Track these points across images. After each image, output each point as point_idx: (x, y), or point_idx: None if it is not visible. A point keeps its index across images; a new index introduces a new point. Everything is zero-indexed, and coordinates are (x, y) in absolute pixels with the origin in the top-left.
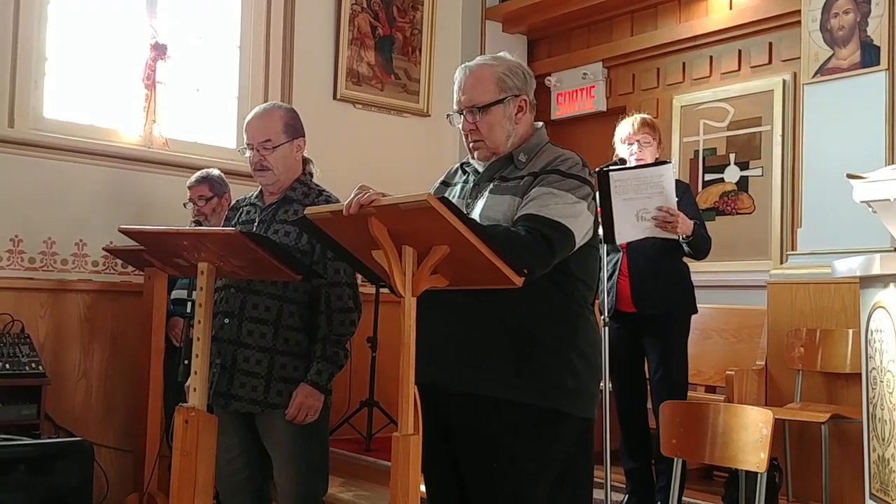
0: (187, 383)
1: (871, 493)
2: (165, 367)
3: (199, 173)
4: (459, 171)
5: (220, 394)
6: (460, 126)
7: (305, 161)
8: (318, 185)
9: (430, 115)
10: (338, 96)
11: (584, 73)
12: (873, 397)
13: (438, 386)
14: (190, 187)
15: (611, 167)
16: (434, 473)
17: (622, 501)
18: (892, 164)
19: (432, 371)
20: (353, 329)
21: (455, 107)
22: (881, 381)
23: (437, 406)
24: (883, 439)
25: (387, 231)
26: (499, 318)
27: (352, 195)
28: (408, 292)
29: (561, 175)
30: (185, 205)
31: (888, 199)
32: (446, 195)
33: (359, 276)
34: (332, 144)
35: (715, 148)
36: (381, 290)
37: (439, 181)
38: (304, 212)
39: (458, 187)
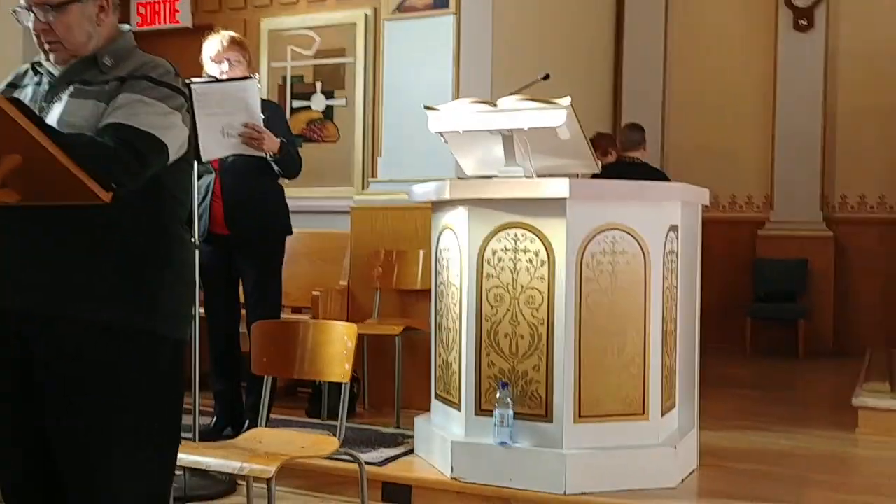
0: None
1: (436, 394)
2: None
3: None
4: (30, 73)
5: None
6: (30, 25)
7: None
8: None
9: None
10: None
11: None
12: (440, 309)
13: (18, 312)
14: None
15: (192, 80)
16: None
17: (210, 423)
18: (459, 99)
19: (13, 295)
20: None
21: (22, 2)
22: (447, 295)
23: (10, 340)
24: (447, 346)
25: None
26: (88, 235)
27: None
28: None
29: (152, 82)
30: None
31: (457, 131)
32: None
33: None
34: None
35: (302, 75)
36: None
37: (5, 83)
38: None
39: (30, 90)
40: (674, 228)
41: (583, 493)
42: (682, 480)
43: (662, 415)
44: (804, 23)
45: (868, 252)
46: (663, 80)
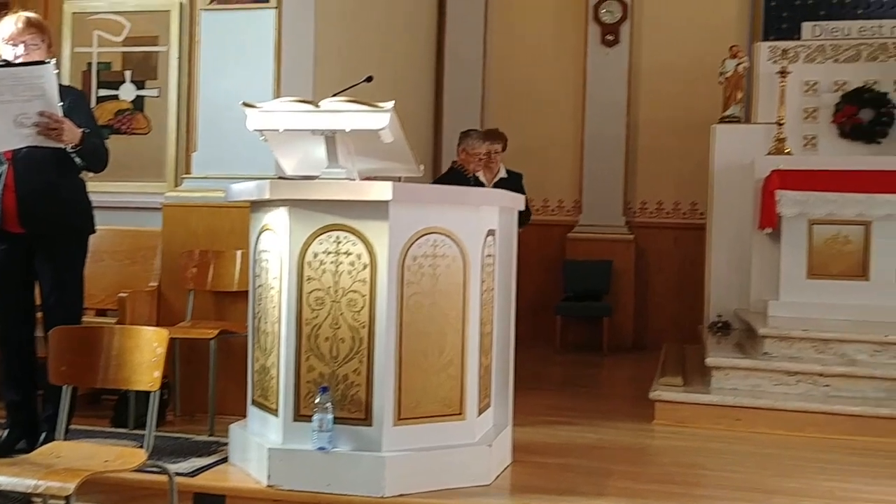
0: None
1: (253, 400)
2: None
3: None
4: None
5: None
6: None
7: None
8: None
9: None
10: None
11: None
12: (258, 312)
13: None
14: None
15: None
16: None
17: (1, 437)
18: (280, 97)
19: None
20: None
21: None
22: (266, 297)
23: None
24: (265, 350)
25: None
26: None
27: None
28: None
29: None
30: None
31: (277, 129)
32: None
33: None
34: None
35: (110, 63)
36: None
37: None
38: None
39: None
40: (492, 233)
41: (401, 495)
42: (497, 477)
43: (479, 414)
44: (611, 38)
45: (664, 254)
46: (482, 89)
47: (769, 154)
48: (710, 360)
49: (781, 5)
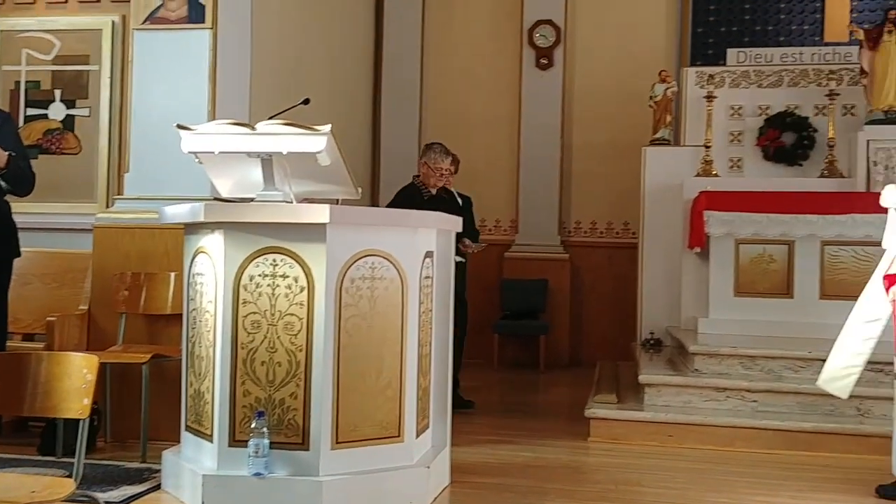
0: None
1: (186, 425)
2: None
3: None
4: None
5: None
6: None
7: None
8: None
9: None
10: None
11: None
12: (192, 336)
13: None
14: None
15: None
16: None
17: None
18: (215, 119)
19: None
20: None
21: None
22: (200, 321)
23: None
24: (199, 374)
25: None
26: None
27: None
28: None
29: None
30: None
31: (213, 152)
32: None
33: None
34: None
35: (39, 81)
36: None
37: None
38: None
39: None
40: (429, 254)
41: None
42: (434, 499)
43: (417, 436)
44: (545, 62)
45: (598, 273)
46: (420, 111)
47: (697, 175)
48: (643, 378)
49: (708, 32)
